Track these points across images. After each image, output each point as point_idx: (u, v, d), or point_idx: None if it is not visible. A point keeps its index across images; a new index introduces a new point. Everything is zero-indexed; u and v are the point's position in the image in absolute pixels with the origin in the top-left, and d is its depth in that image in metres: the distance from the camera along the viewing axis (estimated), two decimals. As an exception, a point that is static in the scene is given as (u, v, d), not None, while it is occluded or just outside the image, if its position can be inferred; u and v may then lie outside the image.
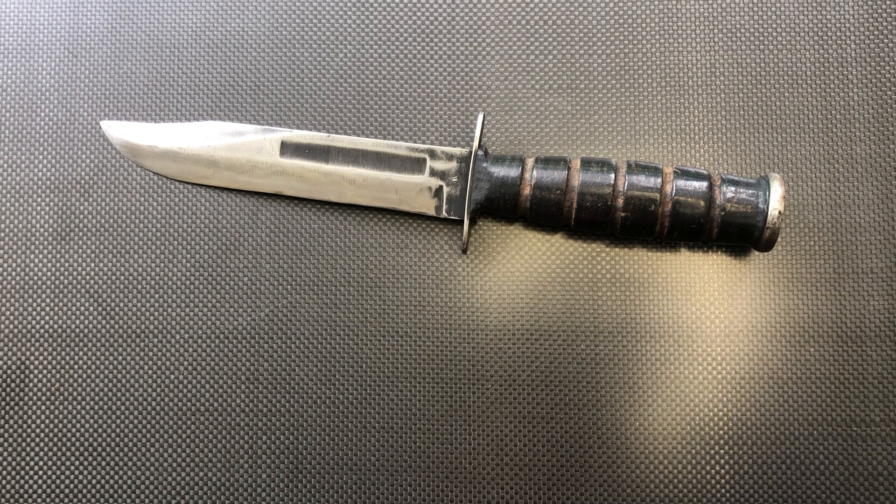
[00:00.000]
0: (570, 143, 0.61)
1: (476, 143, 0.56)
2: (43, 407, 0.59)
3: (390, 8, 0.62)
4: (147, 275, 0.60)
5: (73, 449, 0.59)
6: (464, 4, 0.62)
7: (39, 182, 0.61)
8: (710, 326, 0.59)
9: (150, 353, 0.59)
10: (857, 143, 0.60)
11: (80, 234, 0.61)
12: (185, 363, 0.59)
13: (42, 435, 0.59)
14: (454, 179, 0.58)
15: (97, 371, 0.59)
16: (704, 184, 0.55)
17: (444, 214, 0.58)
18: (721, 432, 0.58)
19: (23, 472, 0.59)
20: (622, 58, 0.61)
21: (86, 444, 0.59)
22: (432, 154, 0.58)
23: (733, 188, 0.55)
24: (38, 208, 0.61)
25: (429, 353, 0.59)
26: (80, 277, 0.60)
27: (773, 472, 0.58)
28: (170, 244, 0.60)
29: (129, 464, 0.59)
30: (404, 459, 0.58)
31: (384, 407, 0.59)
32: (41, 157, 0.61)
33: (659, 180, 0.55)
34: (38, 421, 0.59)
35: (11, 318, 0.60)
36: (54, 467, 0.59)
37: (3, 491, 0.59)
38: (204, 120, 0.61)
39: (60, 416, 0.59)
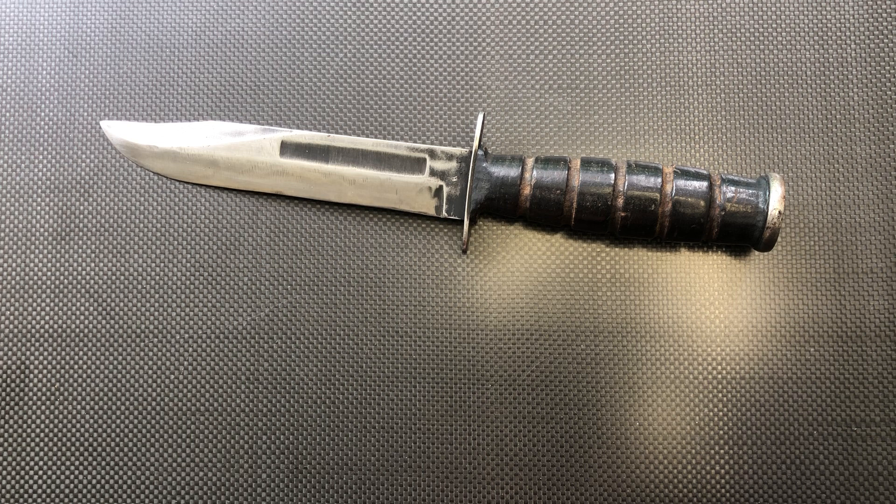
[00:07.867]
0: (570, 143, 0.61)
1: (476, 143, 0.56)
2: (43, 407, 0.59)
3: (390, 8, 0.62)
4: (147, 275, 0.60)
5: (73, 449, 0.59)
6: (464, 4, 0.62)
7: (39, 182, 0.61)
8: (710, 326, 0.59)
9: (150, 353, 0.59)
10: (857, 143, 0.60)
11: (80, 234, 0.61)
12: (185, 363, 0.59)
13: (42, 435, 0.59)
14: (454, 179, 0.58)
15: (97, 371, 0.59)
16: (704, 184, 0.55)
17: (444, 214, 0.58)
18: (721, 432, 0.58)
19: (23, 472, 0.59)
20: (622, 58, 0.61)
21: (86, 444, 0.59)
22: (432, 154, 0.58)
23: (733, 188, 0.55)
24: (38, 208, 0.61)
25: (429, 353, 0.59)
26: (80, 277, 0.60)
27: (773, 472, 0.58)
28: (170, 244, 0.60)
29: (129, 464, 0.59)
30: (404, 459, 0.58)
31: (384, 407, 0.59)
32: (41, 157, 0.61)
33: (659, 180, 0.55)
34: (38, 421, 0.59)
35: (11, 318, 0.60)
36: (54, 467, 0.59)
37: (3, 491, 0.59)
38: (204, 120, 0.61)
39: (60, 416, 0.59)
